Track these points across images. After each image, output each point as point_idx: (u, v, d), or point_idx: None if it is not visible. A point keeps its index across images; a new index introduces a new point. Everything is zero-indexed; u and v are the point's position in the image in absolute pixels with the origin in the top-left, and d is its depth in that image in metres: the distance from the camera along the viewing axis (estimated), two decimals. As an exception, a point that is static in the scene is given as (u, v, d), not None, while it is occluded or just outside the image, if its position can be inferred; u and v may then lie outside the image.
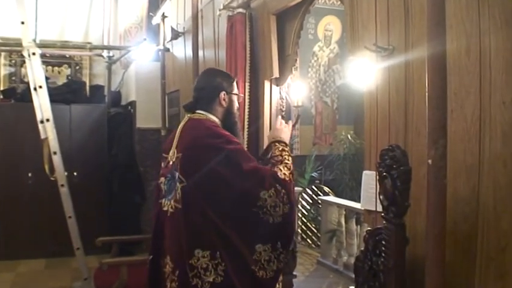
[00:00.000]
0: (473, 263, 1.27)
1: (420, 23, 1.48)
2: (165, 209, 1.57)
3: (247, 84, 2.66)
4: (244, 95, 2.63)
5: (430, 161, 1.15)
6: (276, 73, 2.59)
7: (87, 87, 5.37)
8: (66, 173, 3.44)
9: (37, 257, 4.39)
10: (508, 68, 1.20)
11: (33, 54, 3.34)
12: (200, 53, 3.60)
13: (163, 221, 1.59)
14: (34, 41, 3.57)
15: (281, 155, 1.63)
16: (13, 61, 5.46)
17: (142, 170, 4.88)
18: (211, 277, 1.44)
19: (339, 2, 5.03)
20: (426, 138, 1.17)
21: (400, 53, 1.59)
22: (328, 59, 6.09)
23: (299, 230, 5.08)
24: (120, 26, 5.61)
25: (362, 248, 1.54)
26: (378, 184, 1.41)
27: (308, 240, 5.19)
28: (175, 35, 4.31)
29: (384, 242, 1.37)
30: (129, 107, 5.14)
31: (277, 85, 2.69)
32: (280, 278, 1.59)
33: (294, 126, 1.96)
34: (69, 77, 5.60)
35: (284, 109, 2.71)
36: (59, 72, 5.64)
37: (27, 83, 3.68)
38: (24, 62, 4.05)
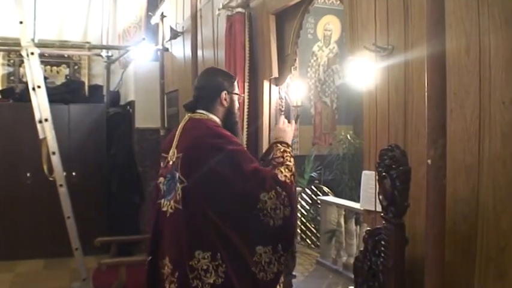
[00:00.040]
0: (473, 263, 1.27)
1: (420, 23, 1.47)
2: (165, 209, 1.56)
3: (246, 84, 2.65)
4: (244, 95, 2.62)
5: (429, 161, 1.15)
6: (275, 73, 2.59)
7: (86, 87, 5.36)
8: (64, 173, 3.43)
9: (36, 257, 4.38)
10: (507, 67, 1.19)
11: (32, 53, 3.33)
12: (199, 52, 3.60)
13: (163, 221, 1.57)
14: (33, 40, 3.56)
15: (282, 157, 1.61)
16: (11, 61, 5.45)
17: (141, 170, 4.87)
18: (211, 279, 1.43)
19: (338, 2, 5.03)
20: (425, 138, 1.17)
21: (399, 52, 1.59)
22: (327, 59, 6.09)
23: (298, 230, 5.07)
24: (119, 26, 5.61)
25: (361, 248, 1.54)
26: (377, 184, 1.40)
27: (307, 240, 5.19)
28: (174, 34, 4.30)
29: (383, 242, 1.36)
30: (128, 107, 5.14)
31: (276, 85, 2.68)
32: (281, 279, 1.58)
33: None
34: (68, 77, 5.60)
35: (283, 109, 2.71)
36: (58, 72, 5.63)
37: (26, 83, 3.68)
38: (22, 61, 4.03)
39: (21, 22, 3.30)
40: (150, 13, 4.81)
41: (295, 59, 2.59)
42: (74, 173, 4.45)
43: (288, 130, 1.73)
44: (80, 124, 4.73)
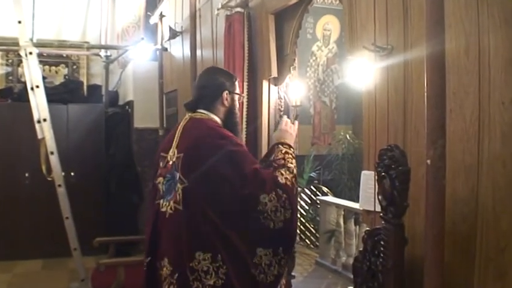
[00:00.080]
0: (472, 263, 1.26)
1: (419, 23, 1.47)
2: (164, 209, 1.54)
3: (245, 84, 2.65)
4: (243, 95, 2.62)
5: (428, 161, 1.15)
6: (274, 73, 2.59)
7: (85, 87, 5.35)
8: (63, 173, 3.43)
9: (34, 257, 4.37)
10: (507, 68, 1.19)
11: (30, 53, 3.33)
12: (198, 52, 3.59)
13: (161, 222, 1.56)
14: (31, 40, 3.56)
15: (284, 158, 1.59)
16: (10, 60, 5.43)
17: (140, 170, 4.86)
18: (212, 280, 1.42)
19: (338, 2, 5.03)
20: (425, 138, 1.17)
21: (398, 52, 1.58)
22: (326, 59, 6.09)
23: (297, 231, 5.07)
24: (118, 25, 5.60)
25: (361, 249, 1.54)
26: (376, 184, 1.40)
27: (307, 240, 5.18)
28: (173, 34, 4.29)
29: (382, 243, 1.36)
30: (127, 107, 5.13)
31: (275, 85, 2.68)
32: (283, 281, 1.57)
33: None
34: (67, 77, 5.58)
35: (282, 109, 2.70)
36: (56, 72, 5.61)
37: (24, 83, 3.67)
38: (21, 61, 4.03)
39: (19, 22, 3.29)
40: (149, 13, 4.80)
41: (294, 59, 2.59)
42: (72, 173, 4.44)
43: (291, 131, 1.70)
44: (79, 124, 4.72)
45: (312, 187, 5.50)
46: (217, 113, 1.63)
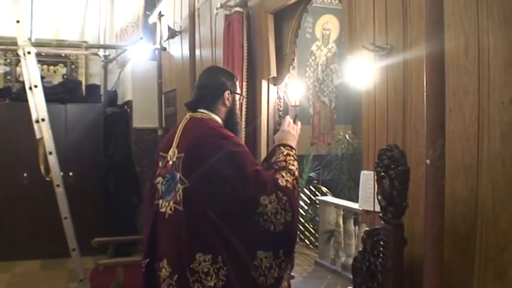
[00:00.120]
0: (472, 263, 1.26)
1: (418, 22, 1.47)
2: (163, 210, 1.52)
3: (244, 83, 2.65)
4: (243, 94, 2.62)
5: (428, 161, 1.14)
6: (273, 72, 2.58)
7: (83, 87, 5.34)
8: (61, 173, 3.42)
9: (32, 258, 4.36)
10: (506, 67, 1.19)
11: (29, 53, 3.32)
12: (197, 52, 3.58)
13: (161, 222, 1.54)
14: (29, 39, 3.54)
15: (285, 160, 1.57)
16: (8, 60, 5.42)
17: (139, 170, 4.85)
18: (212, 282, 1.40)
19: (337, 1, 5.03)
20: (424, 138, 1.17)
21: (398, 52, 1.58)
22: (326, 58, 6.08)
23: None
24: (117, 25, 5.59)
25: (360, 249, 1.53)
26: (376, 184, 1.40)
27: (306, 240, 5.17)
28: (172, 34, 4.29)
29: (382, 243, 1.36)
30: (126, 107, 5.12)
31: (274, 84, 2.68)
32: (285, 283, 1.56)
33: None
34: (65, 76, 5.57)
35: (282, 109, 2.70)
36: (55, 72, 5.60)
37: (23, 82, 3.66)
38: (19, 61, 4.02)
39: (18, 21, 3.28)
40: (147, 12, 4.80)
41: (294, 59, 2.59)
42: (71, 173, 4.43)
43: (293, 132, 1.68)
44: (77, 124, 4.71)
45: (311, 187, 5.49)
46: (218, 113, 1.62)
